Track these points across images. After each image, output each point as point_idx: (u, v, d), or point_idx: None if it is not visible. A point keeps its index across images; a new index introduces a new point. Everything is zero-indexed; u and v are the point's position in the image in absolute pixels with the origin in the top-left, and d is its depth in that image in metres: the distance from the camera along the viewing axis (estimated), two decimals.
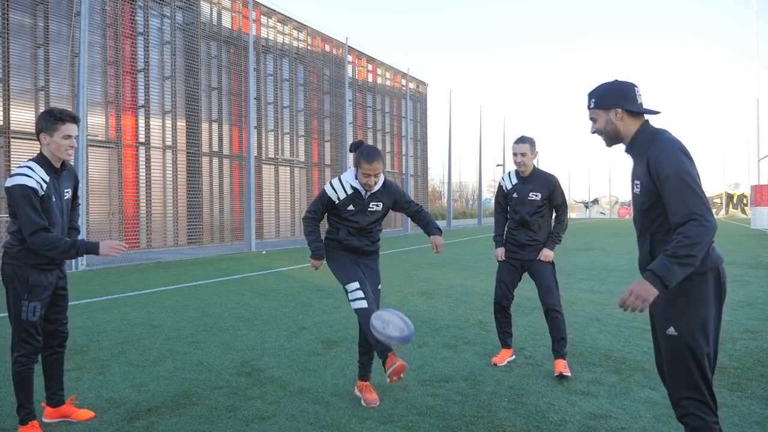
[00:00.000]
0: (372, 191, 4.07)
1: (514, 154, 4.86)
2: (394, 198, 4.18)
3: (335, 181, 4.09)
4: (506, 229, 5.08)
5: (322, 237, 4.18)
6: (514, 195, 4.95)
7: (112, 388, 4.36)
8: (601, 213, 58.26)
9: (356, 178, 4.03)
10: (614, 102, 2.68)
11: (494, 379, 4.56)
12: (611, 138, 2.75)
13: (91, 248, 3.40)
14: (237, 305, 7.99)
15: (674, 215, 2.42)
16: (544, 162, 50.76)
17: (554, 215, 5.00)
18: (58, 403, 3.72)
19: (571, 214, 35.77)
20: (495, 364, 4.94)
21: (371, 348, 4.03)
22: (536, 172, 4.93)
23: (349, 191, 4.05)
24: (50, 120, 3.36)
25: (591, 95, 2.77)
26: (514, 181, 4.99)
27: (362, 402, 4.03)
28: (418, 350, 5.45)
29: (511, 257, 4.97)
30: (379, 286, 4.21)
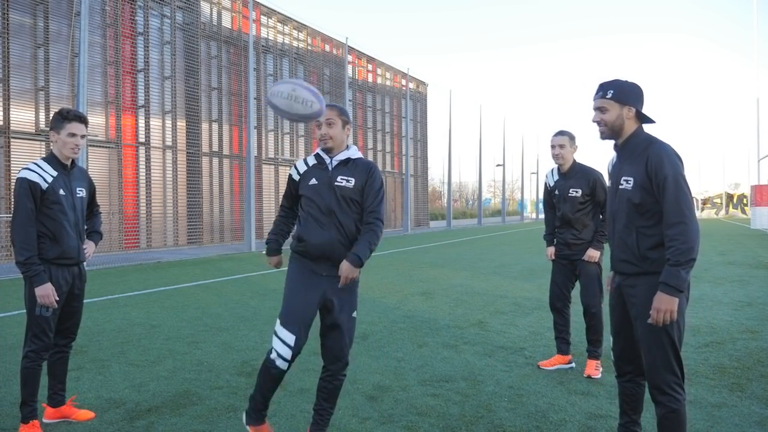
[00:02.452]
0: (338, 158, 3.23)
1: (552, 146, 4.73)
2: (366, 178, 3.22)
3: (299, 160, 3.45)
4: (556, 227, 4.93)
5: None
6: (557, 192, 4.80)
7: (112, 388, 4.36)
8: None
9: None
10: (632, 100, 2.82)
11: (494, 379, 4.56)
12: (613, 132, 2.86)
13: (35, 281, 3.37)
14: (237, 305, 7.99)
15: (668, 216, 2.65)
16: (545, 162, 50.75)
17: (600, 213, 4.77)
18: (58, 403, 3.73)
19: None
20: (540, 367, 4.85)
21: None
22: (576, 166, 4.75)
23: (312, 162, 3.28)
24: (59, 118, 3.52)
25: (609, 86, 2.85)
26: (556, 177, 4.84)
27: None
28: (418, 350, 5.45)
29: (561, 256, 4.84)
30: (354, 314, 3.27)
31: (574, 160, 4.77)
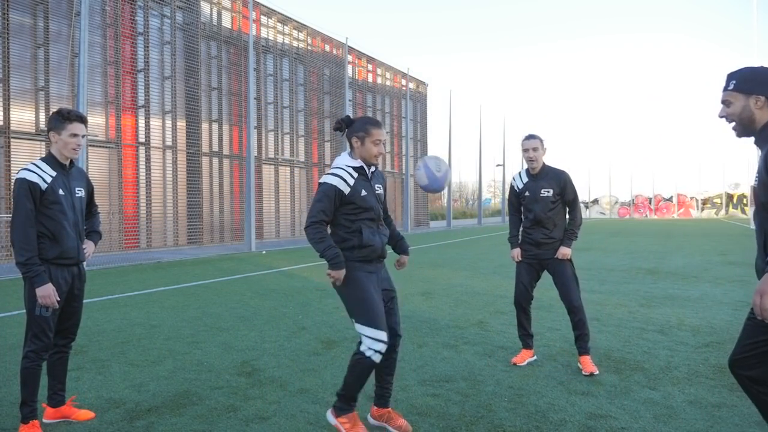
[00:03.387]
0: (371, 169, 3.56)
1: (525, 150, 4.84)
2: (384, 185, 3.70)
3: (336, 171, 3.43)
4: (521, 229, 5.06)
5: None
6: (527, 193, 4.91)
7: (112, 388, 4.36)
8: (601, 213, 58.25)
9: (352, 158, 3.50)
10: (758, 88, 2.51)
11: (494, 379, 4.56)
12: (744, 126, 2.58)
13: (36, 281, 3.37)
14: (237, 305, 7.99)
15: None
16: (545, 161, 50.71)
17: (567, 212, 4.96)
18: (58, 403, 3.73)
19: None
20: (515, 364, 4.95)
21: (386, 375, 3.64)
22: (546, 168, 4.91)
23: (355, 175, 3.45)
24: (59, 119, 3.51)
25: (732, 76, 2.59)
26: (525, 179, 4.96)
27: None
28: (418, 350, 5.46)
29: (529, 256, 4.95)
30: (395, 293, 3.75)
31: (544, 163, 4.91)
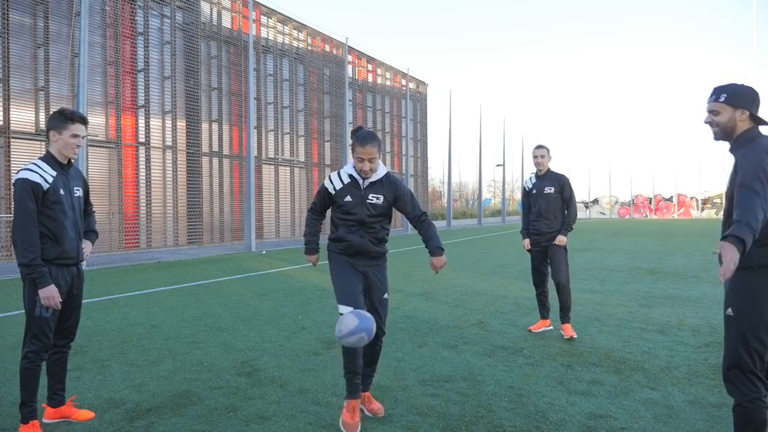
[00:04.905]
0: (370, 180, 3.83)
1: (534, 157, 6.25)
2: (395, 193, 3.88)
3: (334, 173, 3.97)
4: (529, 222, 6.26)
5: (325, 240, 3.99)
6: (534, 191, 6.24)
7: (112, 388, 4.36)
8: (601, 213, 58.24)
9: (353, 167, 3.89)
10: (746, 104, 2.87)
11: (494, 379, 4.56)
12: (726, 134, 2.92)
13: (40, 282, 3.36)
14: (237, 305, 7.99)
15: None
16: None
17: (565, 208, 6.20)
18: (58, 403, 3.73)
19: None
20: (530, 331, 6.22)
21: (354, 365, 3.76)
22: (550, 172, 6.29)
23: (346, 180, 3.87)
24: (61, 119, 3.51)
25: (722, 90, 2.91)
26: (534, 180, 6.32)
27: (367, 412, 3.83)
28: (418, 350, 5.46)
29: (535, 245, 6.20)
30: (386, 296, 3.92)
31: (548, 168, 6.28)
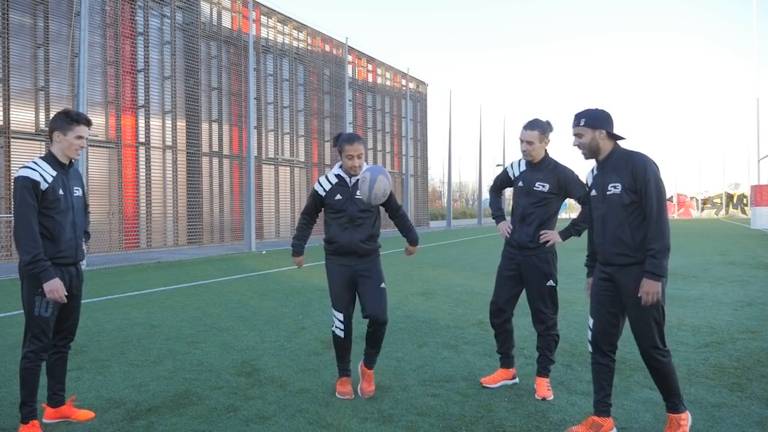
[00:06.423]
0: (357, 177, 4.10)
1: (521, 141, 4.21)
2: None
3: (322, 177, 4.24)
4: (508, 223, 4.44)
5: (320, 241, 4.26)
6: (520, 183, 4.29)
7: (112, 388, 4.36)
8: None
9: (340, 168, 4.17)
10: (601, 124, 3.39)
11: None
12: (592, 152, 3.44)
13: (44, 276, 3.36)
14: (237, 305, 7.99)
15: (649, 213, 3.32)
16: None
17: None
18: (58, 403, 3.73)
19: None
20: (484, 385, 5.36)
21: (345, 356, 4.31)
22: (547, 160, 4.25)
23: (334, 181, 4.16)
24: (66, 120, 3.53)
25: (581, 116, 3.42)
26: (522, 168, 4.32)
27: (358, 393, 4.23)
28: (418, 350, 5.46)
29: (509, 261, 4.43)
30: (382, 285, 4.18)
31: (546, 154, 4.27)
